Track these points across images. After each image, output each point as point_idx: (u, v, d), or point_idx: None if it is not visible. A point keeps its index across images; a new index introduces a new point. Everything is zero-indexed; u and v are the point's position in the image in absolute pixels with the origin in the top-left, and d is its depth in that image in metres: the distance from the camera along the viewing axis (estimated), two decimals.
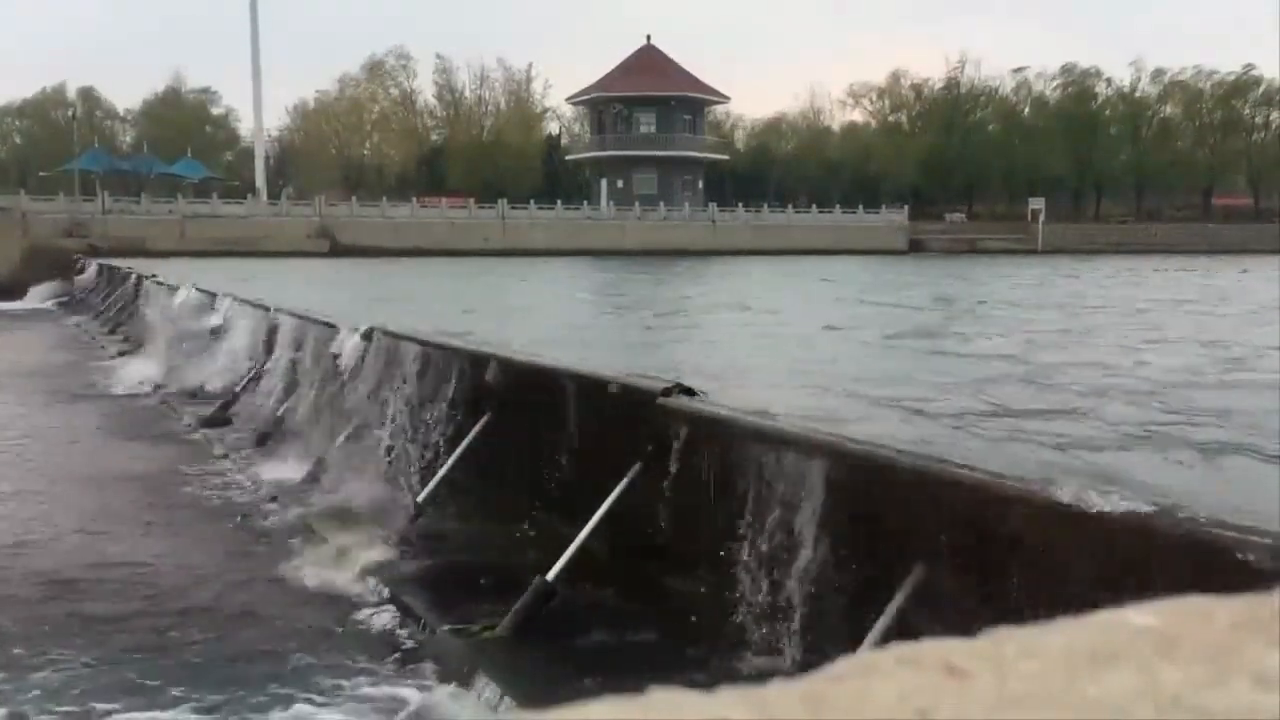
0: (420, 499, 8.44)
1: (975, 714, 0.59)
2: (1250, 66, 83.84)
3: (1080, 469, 5.69)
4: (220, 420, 13.69)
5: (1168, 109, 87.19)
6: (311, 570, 7.82)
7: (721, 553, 5.89)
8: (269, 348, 13.98)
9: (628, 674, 5.45)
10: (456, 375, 8.80)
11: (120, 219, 49.55)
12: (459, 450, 8.50)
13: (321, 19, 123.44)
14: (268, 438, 11.88)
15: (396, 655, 6.27)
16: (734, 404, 6.57)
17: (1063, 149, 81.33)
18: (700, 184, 73.99)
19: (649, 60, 75.34)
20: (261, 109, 67.91)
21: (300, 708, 5.57)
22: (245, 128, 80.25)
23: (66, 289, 37.35)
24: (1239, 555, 3.43)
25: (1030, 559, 4.22)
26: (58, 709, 5.51)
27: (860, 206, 70.45)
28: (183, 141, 70.00)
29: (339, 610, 7.00)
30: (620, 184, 70.90)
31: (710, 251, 58.52)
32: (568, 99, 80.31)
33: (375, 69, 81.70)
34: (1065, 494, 4.02)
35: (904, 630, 4.44)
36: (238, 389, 14.36)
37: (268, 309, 14.85)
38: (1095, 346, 13.97)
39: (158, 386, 16.61)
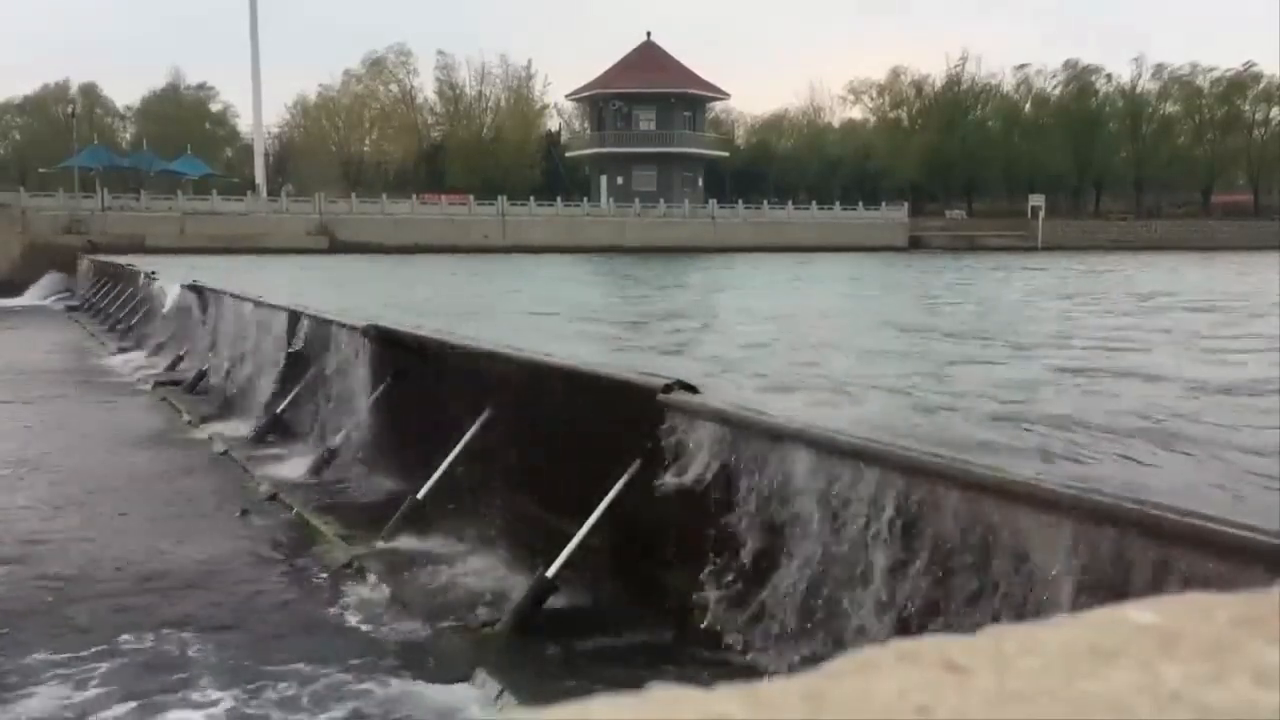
0: (420, 494, 8.44)
1: (975, 711, 0.59)
2: (1251, 63, 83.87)
3: None
4: (220, 416, 13.71)
5: (1168, 106, 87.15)
6: (308, 565, 7.83)
7: (721, 549, 5.89)
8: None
9: (627, 670, 5.46)
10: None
11: (120, 216, 49.53)
12: (459, 446, 8.50)
13: (321, 15, 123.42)
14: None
15: (396, 652, 6.27)
16: (735, 400, 6.56)
17: (1063, 146, 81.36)
18: (700, 181, 73.98)
19: (649, 57, 75.30)
20: (261, 105, 67.93)
21: (297, 704, 5.57)
22: (245, 124, 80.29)
23: (68, 284, 37.36)
24: None
25: None
26: (49, 710, 5.52)
27: (860, 203, 70.47)
28: (182, 138, 69.92)
29: (337, 606, 7.00)
30: (620, 181, 70.87)
31: (710, 249, 58.53)
32: (568, 95, 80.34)
33: (376, 65, 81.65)
34: None
35: None
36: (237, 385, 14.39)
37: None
38: None
39: (158, 383, 16.63)
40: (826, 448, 5.33)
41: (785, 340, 13.94)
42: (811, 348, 12.69)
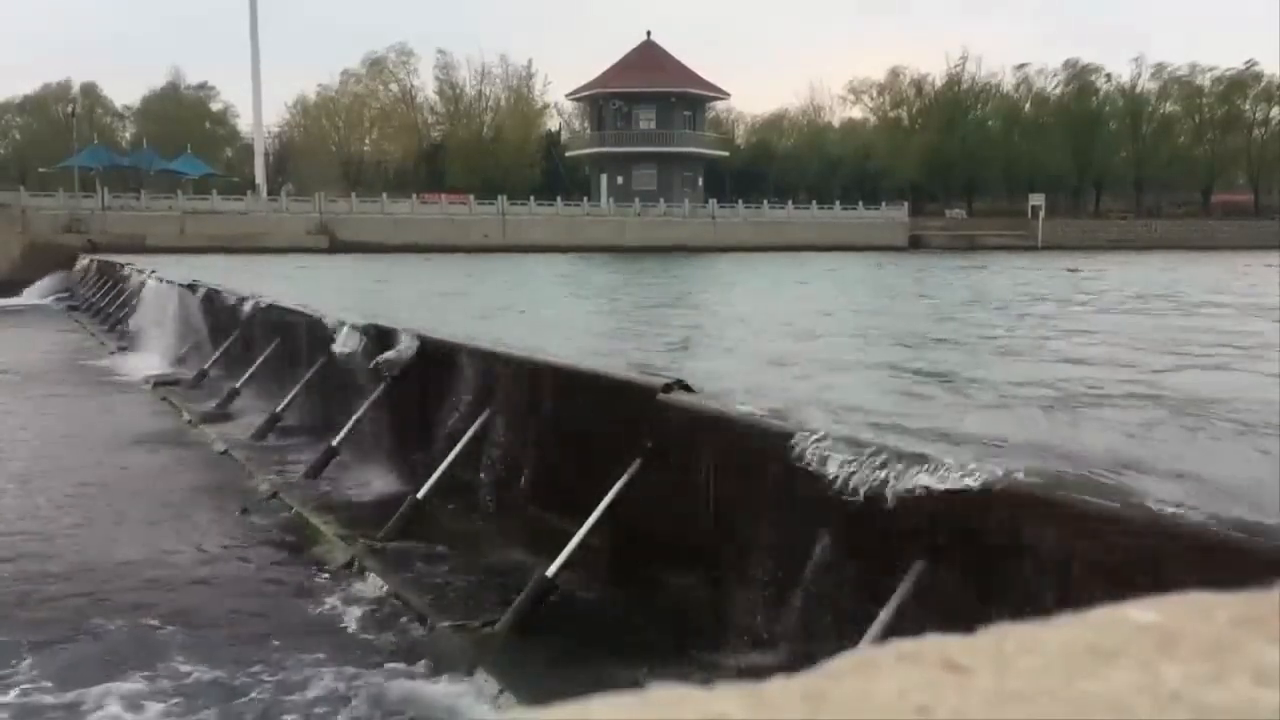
0: (420, 494, 8.44)
1: (975, 710, 0.59)
2: (1252, 62, 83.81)
3: None
4: (220, 416, 13.70)
5: (1168, 105, 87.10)
6: (308, 564, 7.83)
7: (721, 548, 5.89)
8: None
9: (627, 670, 5.45)
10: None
11: (120, 215, 49.50)
12: (458, 446, 8.50)
13: (321, 15, 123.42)
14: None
15: (396, 651, 6.27)
16: (734, 400, 6.56)
17: (1063, 145, 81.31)
18: (700, 180, 73.94)
19: (649, 56, 75.24)
20: (261, 105, 67.81)
21: (298, 703, 5.57)
22: (245, 123, 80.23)
23: (68, 284, 37.35)
24: None
25: None
26: (53, 706, 5.52)
27: (860, 203, 70.44)
28: (182, 138, 69.88)
29: (338, 606, 7.00)
30: (620, 180, 70.84)
31: (710, 248, 58.51)
32: (568, 95, 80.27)
33: (376, 65, 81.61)
34: None
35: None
36: (238, 385, 14.37)
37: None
38: None
39: (158, 383, 16.62)
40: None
41: (749, 340, 14.07)
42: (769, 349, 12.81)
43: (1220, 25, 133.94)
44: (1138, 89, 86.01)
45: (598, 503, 6.67)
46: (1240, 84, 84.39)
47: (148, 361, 18.81)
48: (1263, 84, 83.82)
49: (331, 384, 11.60)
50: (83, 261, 36.59)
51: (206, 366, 16.42)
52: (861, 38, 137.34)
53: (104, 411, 14.53)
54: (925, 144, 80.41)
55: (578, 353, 10.23)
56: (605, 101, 73.72)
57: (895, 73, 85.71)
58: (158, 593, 7.18)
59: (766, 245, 59.43)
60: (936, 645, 0.66)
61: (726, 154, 77.79)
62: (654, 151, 71.44)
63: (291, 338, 13.47)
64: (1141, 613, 0.71)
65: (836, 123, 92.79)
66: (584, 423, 7.45)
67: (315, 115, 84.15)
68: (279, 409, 12.39)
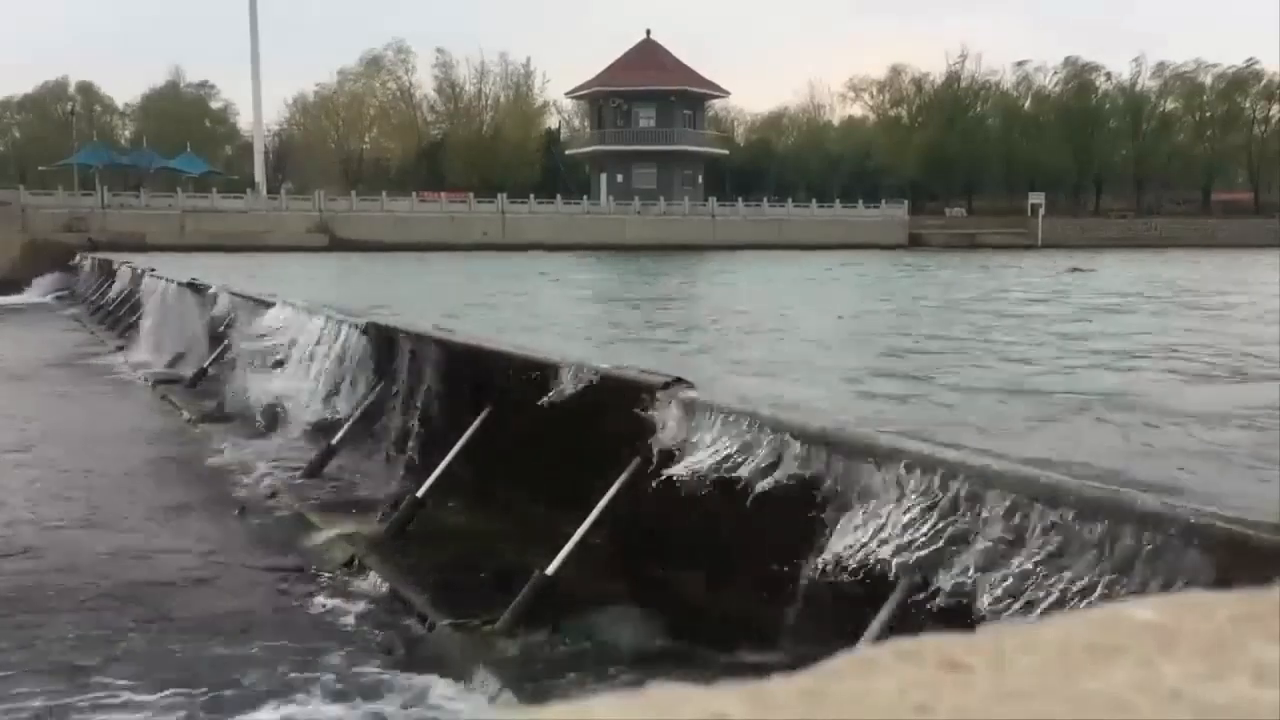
0: (421, 492, 8.44)
1: (975, 709, 0.59)
2: (1252, 60, 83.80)
3: None
4: (220, 416, 13.67)
5: (1168, 103, 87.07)
6: (307, 563, 7.83)
7: (720, 546, 5.89)
8: None
9: (627, 668, 5.45)
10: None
11: (120, 214, 49.55)
12: (459, 444, 8.50)
13: (320, 12, 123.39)
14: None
15: (396, 649, 6.27)
16: (733, 397, 6.56)
17: (1063, 143, 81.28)
18: (700, 179, 73.94)
19: (649, 55, 75.22)
20: (261, 103, 67.82)
21: (299, 701, 5.57)
22: (244, 121, 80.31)
23: (68, 282, 37.33)
24: None
25: None
26: (50, 702, 5.52)
27: (860, 201, 70.43)
28: (182, 136, 69.91)
29: (338, 604, 7.00)
30: (620, 179, 70.84)
31: (709, 246, 58.52)
32: (567, 93, 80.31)
33: (374, 63, 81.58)
34: None
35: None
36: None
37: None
38: None
39: (158, 381, 16.60)
40: (824, 443, 5.33)
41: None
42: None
43: (1222, 24, 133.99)
44: (1138, 86, 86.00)
45: (598, 500, 6.66)
46: (1240, 82, 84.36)
47: (148, 360, 18.81)
48: (1263, 82, 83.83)
49: (331, 382, 11.56)
50: (83, 260, 36.57)
51: (206, 365, 16.39)
52: (861, 36, 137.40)
53: (103, 410, 14.52)
54: (925, 142, 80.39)
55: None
56: (605, 100, 73.70)
57: (895, 70, 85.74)
58: (155, 591, 7.18)
59: (766, 244, 59.43)
60: (936, 644, 0.66)
61: (726, 152, 77.79)
62: (654, 150, 71.44)
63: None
64: (1141, 610, 0.71)
65: (836, 121, 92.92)
66: (584, 420, 7.44)
67: (314, 113, 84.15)
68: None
